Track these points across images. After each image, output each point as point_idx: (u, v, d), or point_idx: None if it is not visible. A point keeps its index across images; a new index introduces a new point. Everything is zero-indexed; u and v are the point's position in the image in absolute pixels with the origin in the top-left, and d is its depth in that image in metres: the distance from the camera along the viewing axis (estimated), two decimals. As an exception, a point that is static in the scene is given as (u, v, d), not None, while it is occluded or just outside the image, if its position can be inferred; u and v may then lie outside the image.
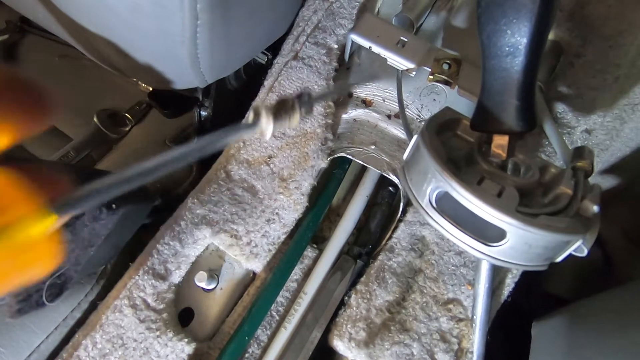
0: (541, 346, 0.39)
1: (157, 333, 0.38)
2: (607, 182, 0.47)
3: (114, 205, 0.32)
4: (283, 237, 0.42)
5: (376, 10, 0.50)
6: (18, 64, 0.64)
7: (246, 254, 0.41)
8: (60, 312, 0.40)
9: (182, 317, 0.41)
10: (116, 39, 0.40)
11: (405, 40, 0.42)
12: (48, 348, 0.40)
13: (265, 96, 0.47)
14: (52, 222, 0.12)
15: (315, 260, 0.43)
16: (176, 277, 0.41)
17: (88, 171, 0.46)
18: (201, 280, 0.41)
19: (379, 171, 0.44)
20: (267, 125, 0.19)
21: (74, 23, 0.41)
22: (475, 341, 0.37)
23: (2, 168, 0.12)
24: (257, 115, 0.19)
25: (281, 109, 0.20)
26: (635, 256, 0.53)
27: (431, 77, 0.40)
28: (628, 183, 0.48)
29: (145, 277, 0.39)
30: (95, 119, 0.57)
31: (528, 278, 0.40)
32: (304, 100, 0.21)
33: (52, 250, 0.13)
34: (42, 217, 0.12)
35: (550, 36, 0.44)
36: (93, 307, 0.40)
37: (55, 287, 0.32)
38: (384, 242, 0.44)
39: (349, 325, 0.39)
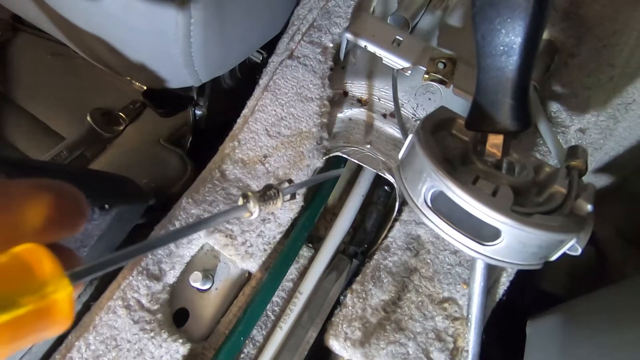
0: (536, 344, 0.39)
1: (152, 334, 0.37)
2: (601, 181, 0.48)
3: (106, 206, 0.32)
4: (278, 236, 0.42)
5: (371, 9, 0.50)
6: (10, 62, 0.63)
7: (241, 253, 0.41)
8: (53, 314, 0.40)
9: (177, 317, 0.40)
10: (109, 38, 0.40)
11: (401, 39, 0.42)
12: (40, 350, 0.39)
13: (261, 95, 0.47)
14: (69, 292, 0.14)
15: (311, 260, 0.43)
16: (171, 277, 0.40)
17: (81, 171, 0.45)
18: (196, 281, 0.40)
19: (375, 170, 0.44)
20: (254, 208, 0.23)
21: (66, 21, 0.40)
22: (471, 340, 0.37)
23: (34, 245, 0.14)
24: (246, 199, 0.23)
25: (266, 194, 0.24)
26: (629, 254, 0.53)
27: (426, 76, 0.40)
28: (621, 182, 0.48)
29: (139, 278, 0.39)
30: (88, 118, 0.56)
31: (522, 276, 0.40)
32: (285, 187, 0.25)
33: (66, 315, 0.14)
34: (61, 287, 0.14)
35: (545, 36, 0.44)
36: (86, 308, 0.40)
37: (47, 288, 0.32)
38: (379, 241, 0.44)
39: (344, 325, 0.39)
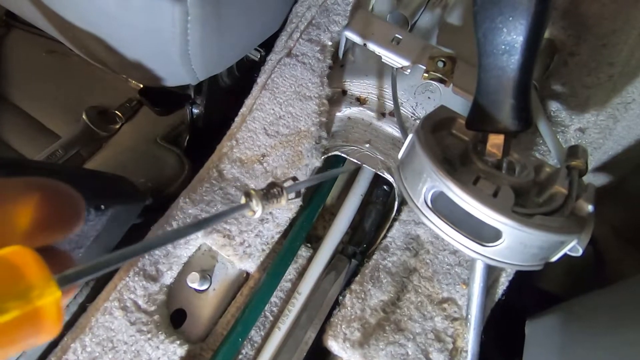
0: (535, 344, 0.39)
1: (149, 335, 0.37)
2: (600, 180, 0.48)
3: (102, 206, 0.31)
4: (277, 236, 0.41)
5: (370, 7, 0.50)
6: (4, 60, 0.62)
7: (239, 254, 0.40)
8: (48, 315, 0.39)
9: (174, 318, 0.40)
10: (104, 35, 0.39)
11: (400, 37, 0.42)
12: (35, 352, 0.39)
13: (259, 93, 0.46)
14: (57, 297, 0.13)
15: (310, 260, 0.43)
16: (168, 278, 0.40)
17: (76, 171, 0.45)
18: (193, 281, 0.40)
19: (374, 170, 0.44)
20: (257, 207, 0.22)
21: (60, 18, 0.40)
22: (470, 340, 0.37)
23: (21, 247, 0.13)
24: (248, 198, 0.22)
25: (269, 192, 0.23)
26: (627, 253, 0.53)
27: (426, 75, 0.40)
28: (620, 181, 0.48)
29: (136, 279, 0.39)
30: (84, 117, 0.56)
31: (520, 276, 0.40)
32: (289, 184, 0.24)
33: (54, 321, 0.13)
34: (48, 292, 0.13)
35: (545, 34, 0.44)
36: (82, 309, 0.40)
37: (42, 290, 0.31)
38: (378, 241, 0.44)
39: (343, 326, 0.39)
